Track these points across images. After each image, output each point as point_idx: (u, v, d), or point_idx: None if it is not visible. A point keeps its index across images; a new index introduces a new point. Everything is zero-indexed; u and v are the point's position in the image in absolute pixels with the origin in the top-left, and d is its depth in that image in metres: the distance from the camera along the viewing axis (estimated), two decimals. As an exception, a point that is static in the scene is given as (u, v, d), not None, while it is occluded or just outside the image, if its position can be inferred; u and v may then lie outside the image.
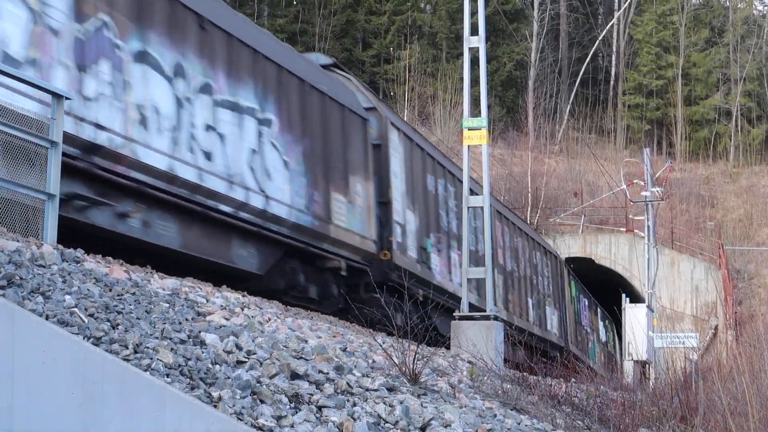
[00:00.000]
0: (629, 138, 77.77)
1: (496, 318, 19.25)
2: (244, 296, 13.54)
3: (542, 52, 75.80)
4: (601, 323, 48.17)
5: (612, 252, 54.73)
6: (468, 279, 20.40)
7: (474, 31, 20.73)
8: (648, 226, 46.24)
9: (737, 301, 53.46)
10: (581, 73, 77.49)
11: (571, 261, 47.93)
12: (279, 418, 7.90)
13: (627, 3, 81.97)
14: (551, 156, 69.28)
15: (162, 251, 14.40)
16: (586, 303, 43.94)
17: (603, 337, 48.58)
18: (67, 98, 11.37)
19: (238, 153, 15.96)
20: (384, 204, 20.85)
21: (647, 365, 37.94)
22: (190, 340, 8.78)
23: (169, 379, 7.69)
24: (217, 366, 8.38)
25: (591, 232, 57.24)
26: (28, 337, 7.20)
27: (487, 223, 20.50)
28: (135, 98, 13.75)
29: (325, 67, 21.12)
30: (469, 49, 20.82)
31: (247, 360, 8.82)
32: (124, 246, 13.70)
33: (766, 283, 56.60)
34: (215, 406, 7.58)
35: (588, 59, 78.03)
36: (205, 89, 15.35)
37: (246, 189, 16.04)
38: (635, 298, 45.50)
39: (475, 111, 21.16)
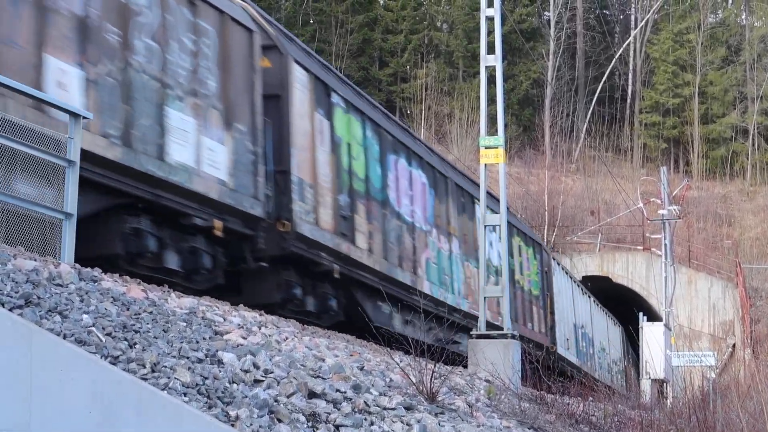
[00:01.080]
0: (646, 156, 77.68)
1: (513, 336, 19.19)
2: (261, 315, 13.56)
3: (559, 71, 75.84)
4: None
5: (629, 270, 54.63)
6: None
7: (490, 50, 20.73)
8: (665, 245, 46.14)
9: (755, 320, 53.27)
10: (598, 91, 77.49)
11: (588, 279, 47.82)
12: (296, 437, 7.90)
13: (644, 21, 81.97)
14: (568, 174, 69.22)
15: None
16: (426, 181, 24.12)
17: (494, 260, 25.30)
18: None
19: None
20: None
21: (665, 384, 37.82)
22: (208, 359, 8.78)
23: (186, 398, 7.69)
24: (235, 385, 8.38)
25: (608, 251, 57.18)
26: (46, 356, 7.20)
27: (504, 244, 20.49)
28: None
29: None
30: (486, 67, 20.81)
31: (264, 379, 8.82)
32: None
33: (784, 302, 56.41)
34: (233, 425, 7.58)
35: (604, 78, 78.01)
36: None
37: None
38: (653, 316, 45.35)
39: (492, 130, 21.16)
